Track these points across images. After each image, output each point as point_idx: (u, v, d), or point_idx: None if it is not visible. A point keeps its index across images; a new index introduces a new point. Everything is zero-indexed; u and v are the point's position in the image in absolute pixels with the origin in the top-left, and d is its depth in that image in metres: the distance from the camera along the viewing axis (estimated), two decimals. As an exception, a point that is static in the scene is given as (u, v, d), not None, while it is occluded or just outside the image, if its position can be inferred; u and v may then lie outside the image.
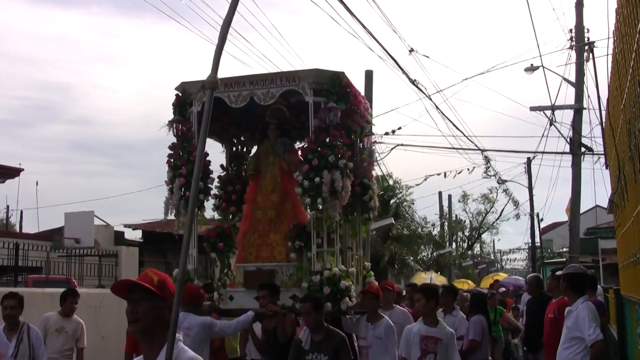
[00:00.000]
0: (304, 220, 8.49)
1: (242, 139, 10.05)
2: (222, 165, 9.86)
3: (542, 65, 22.44)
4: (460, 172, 29.13)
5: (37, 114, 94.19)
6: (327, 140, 8.00)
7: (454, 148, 26.18)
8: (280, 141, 9.08)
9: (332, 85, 8.20)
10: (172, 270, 9.71)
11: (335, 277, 7.85)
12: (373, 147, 23.03)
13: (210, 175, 8.69)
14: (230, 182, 9.68)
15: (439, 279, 23.88)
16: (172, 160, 8.52)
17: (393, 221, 30.62)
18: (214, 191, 9.67)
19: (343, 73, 8.35)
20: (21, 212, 41.06)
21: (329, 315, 7.66)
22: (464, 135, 26.12)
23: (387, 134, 22.80)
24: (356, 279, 9.36)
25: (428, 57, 23.00)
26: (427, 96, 21.51)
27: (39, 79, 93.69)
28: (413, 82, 20.37)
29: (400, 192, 39.33)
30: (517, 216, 46.68)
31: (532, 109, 23.47)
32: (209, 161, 8.66)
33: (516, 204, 44.32)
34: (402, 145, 23.63)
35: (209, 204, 9.65)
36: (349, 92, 8.29)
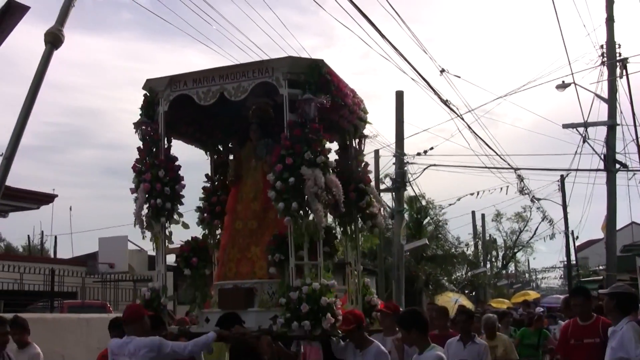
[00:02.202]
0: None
1: (229, 145, 9.10)
2: (207, 175, 8.93)
3: (574, 82, 21.89)
4: (492, 192, 27.93)
5: (68, 139, 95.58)
6: (303, 135, 6.99)
7: (486, 167, 25.20)
8: (263, 142, 8.11)
9: (310, 74, 7.21)
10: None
11: (315, 293, 6.78)
12: (405, 168, 22.50)
13: (182, 182, 7.73)
14: (214, 192, 8.74)
15: (463, 299, 22.38)
16: (138, 165, 7.63)
17: (427, 242, 29.49)
18: (198, 203, 8.81)
19: (322, 61, 7.37)
20: (55, 237, 41.09)
21: (309, 338, 6.63)
22: (497, 154, 24.83)
23: (419, 154, 22.41)
24: (355, 297, 8.29)
25: (459, 77, 21.99)
26: (459, 116, 20.92)
27: (70, 104, 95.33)
28: (445, 102, 19.84)
29: (434, 213, 38.74)
30: (552, 236, 45.07)
31: (565, 126, 22.86)
32: (178, 165, 7.75)
33: (550, 222, 42.72)
34: (434, 165, 23.18)
35: (193, 217, 8.79)
36: (329, 81, 7.29)
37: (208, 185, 8.85)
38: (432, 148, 22.48)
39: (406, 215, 32.17)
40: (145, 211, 7.47)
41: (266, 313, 7.21)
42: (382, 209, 8.60)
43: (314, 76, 7.21)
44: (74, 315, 12.73)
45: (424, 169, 22.96)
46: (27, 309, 17.44)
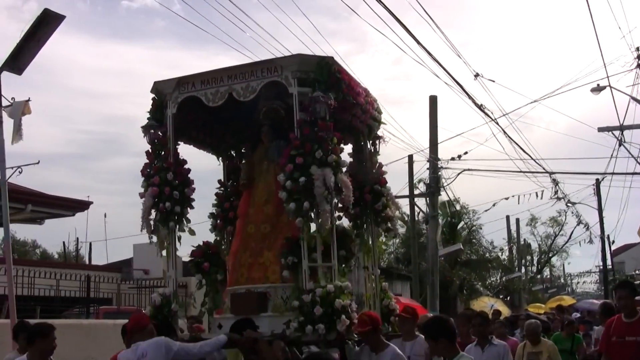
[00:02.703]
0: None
1: (242, 150, 8.93)
2: (219, 181, 8.78)
3: (609, 85, 21.55)
4: (527, 197, 27.52)
5: (103, 147, 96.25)
6: (313, 134, 6.81)
7: (521, 171, 24.71)
8: (275, 144, 7.91)
9: (320, 72, 7.05)
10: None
11: (329, 295, 6.57)
12: (439, 173, 22.24)
13: (192, 185, 7.58)
14: (227, 198, 8.57)
15: (499, 305, 21.89)
16: (146, 169, 7.49)
17: (461, 247, 29.34)
18: (212, 210, 8.66)
19: (332, 58, 7.20)
20: (90, 244, 41.17)
21: (325, 343, 6.40)
22: (531, 158, 24.44)
23: (453, 159, 22.18)
24: (372, 302, 8.06)
25: (494, 81, 21.69)
26: (493, 120, 20.56)
27: (105, 112, 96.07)
28: (479, 106, 19.60)
29: (468, 217, 38.33)
30: (590, 240, 44.30)
31: (601, 129, 22.73)
32: (188, 169, 7.61)
33: (586, 226, 42.07)
34: (468, 170, 22.77)
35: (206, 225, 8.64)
36: (340, 79, 7.12)
37: (221, 191, 8.70)
38: (466, 152, 22.21)
39: (440, 220, 31.86)
40: (153, 215, 7.33)
41: (280, 318, 7.01)
42: (397, 211, 8.34)
43: (323, 74, 7.04)
44: (110, 321, 12.72)
45: (458, 174, 22.61)
46: (63, 315, 17.71)
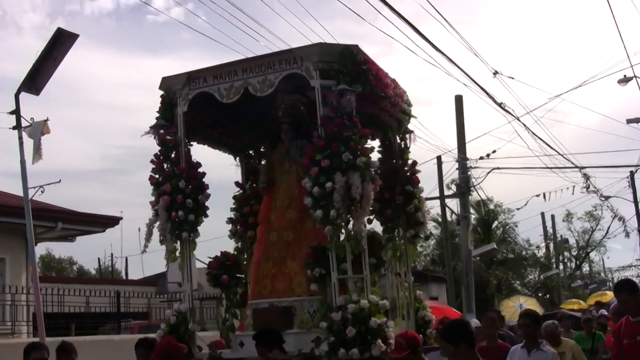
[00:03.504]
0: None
1: (261, 149, 8.25)
2: (237, 183, 8.11)
3: (635, 76, 20.81)
4: (559, 193, 26.74)
5: (135, 161, 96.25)
6: (338, 132, 6.11)
7: (550, 168, 24.09)
8: (296, 144, 7.22)
9: (344, 63, 6.36)
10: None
11: (362, 312, 5.89)
12: (469, 173, 21.68)
13: (207, 191, 6.91)
14: (246, 201, 7.91)
15: (530, 304, 21.03)
16: (155, 175, 6.83)
17: (495, 246, 28.71)
18: (230, 215, 8.00)
19: (357, 46, 6.49)
20: (126, 258, 40.85)
21: None
22: (559, 154, 23.77)
23: (481, 158, 21.78)
24: (406, 312, 7.38)
25: (513, 78, 21.04)
26: (516, 118, 20.08)
27: (135, 126, 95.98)
28: (500, 105, 19.18)
29: (503, 216, 38.09)
30: (627, 234, 43.22)
31: (629, 121, 22.63)
32: (202, 173, 6.94)
33: (622, 219, 41.07)
34: (497, 168, 22.39)
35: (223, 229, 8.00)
36: (366, 70, 6.41)
37: (239, 194, 8.04)
38: (494, 151, 21.64)
39: (473, 220, 31.32)
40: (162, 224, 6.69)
41: (307, 335, 6.36)
42: (425, 214, 7.63)
43: (347, 65, 6.35)
44: (142, 336, 12.15)
45: (488, 173, 22.11)
46: (98, 331, 17.58)
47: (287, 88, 7.02)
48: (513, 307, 19.52)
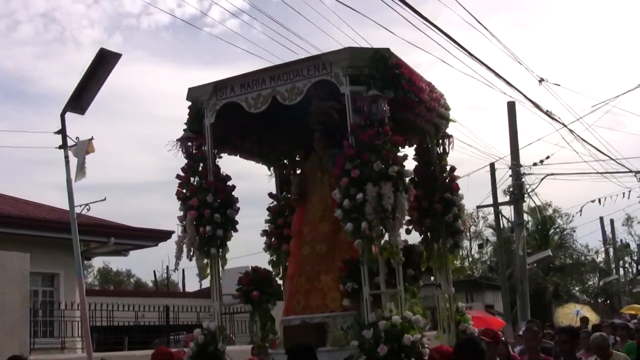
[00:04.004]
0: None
1: (297, 158, 7.99)
2: (270, 194, 7.87)
3: None
4: (616, 197, 25.98)
5: None
6: (370, 140, 5.82)
7: (603, 173, 23.63)
8: (329, 153, 6.95)
9: (375, 67, 6.07)
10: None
11: (395, 328, 5.58)
12: (522, 180, 21.21)
13: (237, 205, 6.69)
14: (281, 212, 7.66)
15: (585, 311, 20.23)
16: (183, 190, 6.64)
17: (550, 253, 28.63)
18: (265, 227, 7.78)
19: (388, 50, 6.20)
20: (183, 270, 41.09)
21: None
22: (611, 159, 23.15)
23: (535, 164, 21.62)
24: (447, 326, 7.03)
25: (559, 85, 20.85)
26: (564, 125, 20.20)
27: None
28: (546, 113, 19.23)
29: (560, 221, 38.02)
30: None
31: None
32: (232, 186, 6.71)
33: None
34: (552, 174, 22.29)
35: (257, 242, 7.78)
36: (399, 74, 6.10)
37: (273, 205, 7.80)
38: (548, 157, 21.35)
39: (530, 226, 30.78)
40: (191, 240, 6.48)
41: (340, 352, 6.06)
42: (465, 222, 7.28)
43: (379, 69, 6.06)
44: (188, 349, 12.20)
45: (542, 179, 21.86)
46: (152, 345, 17.47)
47: (321, 94, 6.77)
48: (570, 314, 18.84)
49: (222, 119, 6.90)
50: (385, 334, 5.58)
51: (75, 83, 9.57)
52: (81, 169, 9.81)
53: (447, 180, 7.18)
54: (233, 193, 6.70)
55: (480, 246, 42.83)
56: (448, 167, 7.29)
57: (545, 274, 33.30)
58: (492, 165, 23.74)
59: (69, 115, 9.91)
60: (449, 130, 7.40)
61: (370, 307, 5.86)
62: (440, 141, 7.36)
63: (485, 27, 22.61)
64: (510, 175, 21.49)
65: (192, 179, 6.61)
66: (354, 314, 6.16)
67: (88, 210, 14.47)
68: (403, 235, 6.97)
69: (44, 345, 14.61)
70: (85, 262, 18.42)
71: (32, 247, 13.20)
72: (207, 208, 6.39)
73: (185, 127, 6.89)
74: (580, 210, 24.70)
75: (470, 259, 48.37)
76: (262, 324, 6.69)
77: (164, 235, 19.67)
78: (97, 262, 51.96)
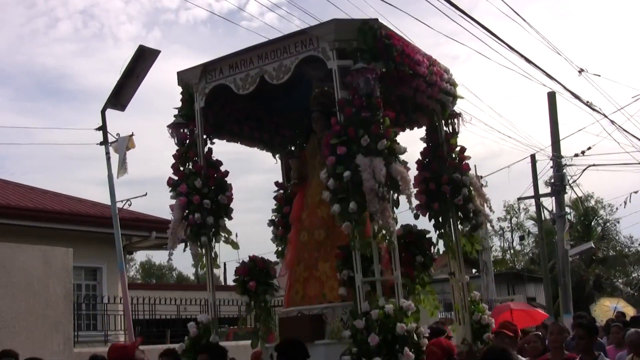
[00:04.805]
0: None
1: (304, 145, 7.64)
2: (277, 183, 7.55)
3: None
4: None
5: (236, 166, 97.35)
6: (357, 115, 5.44)
7: None
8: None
9: (363, 39, 5.68)
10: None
11: (388, 318, 5.18)
12: (564, 171, 20.60)
13: (226, 193, 6.35)
14: (287, 201, 7.33)
15: (626, 307, 19.30)
16: (173, 177, 6.38)
17: (593, 245, 27.86)
18: (271, 217, 7.47)
19: (376, 20, 5.82)
20: (224, 264, 41.13)
21: None
22: None
23: (576, 155, 21.15)
24: (462, 316, 6.58)
25: (599, 75, 20.22)
26: (605, 116, 19.67)
27: None
28: (586, 104, 18.73)
29: (603, 212, 37.40)
30: None
31: None
32: (225, 172, 6.42)
33: None
34: (593, 165, 21.62)
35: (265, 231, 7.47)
36: (389, 45, 5.70)
37: (280, 194, 7.48)
38: (589, 148, 20.80)
39: (571, 217, 30.12)
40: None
41: (339, 345, 5.67)
42: (486, 203, 6.77)
43: (367, 41, 5.68)
44: (233, 343, 12.27)
45: (583, 170, 21.30)
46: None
47: (319, 74, 6.42)
48: (609, 310, 18.14)
49: (217, 102, 6.64)
50: (379, 324, 5.19)
51: (115, 80, 9.80)
52: (122, 165, 10.02)
53: (455, 161, 6.72)
54: (226, 179, 6.41)
55: (522, 238, 42.16)
56: (458, 148, 6.83)
57: (587, 266, 32.57)
58: (532, 157, 23.30)
59: (109, 112, 10.10)
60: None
61: (366, 296, 5.48)
62: (450, 120, 6.91)
63: (522, 18, 21.83)
64: (551, 167, 21.00)
65: (180, 166, 6.35)
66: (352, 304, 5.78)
67: (129, 205, 14.57)
68: (411, 220, 6.66)
69: (88, 338, 14.63)
70: (127, 256, 18.43)
71: (75, 241, 13.30)
72: (196, 194, 6.12)
73: (177, 112, 6.64)
74: (625, 202, 23.84)
75: (512, 251, 47.51)
76: (256, 316, 6.34)
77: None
78: (140, 255, 52.43)
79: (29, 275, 9.25)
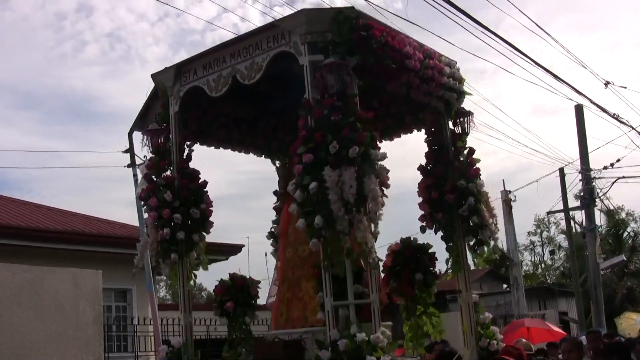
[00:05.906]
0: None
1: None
2: (275, 192, 6.96)
3: None
4: None
5: (260, 185, 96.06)
6: (325, 118, 4.79)
7: None
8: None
9: (337, 31, 5.01)
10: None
11: (357, 349, 4.50)
12: (593, 184, 19.83)
13: (201, 206, 5.76)
14: (286, 212, 6.73)
15: None
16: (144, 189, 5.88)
17: (624, 258, 27.19)
18: (270, 228, 6.92)
19: (352, 8, 5.14)
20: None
21: None
22: None
23: (605, 167, 20.73)
24: (467, 340, 5.81)
25: (625, 87, 19.80)
26: (633, 128, 19.42)
27: None
28: (613, 116, 18.51)
29: (634, 224, 36.69)
30: None
31: None
32: (203, 182, 5.85)
33: None
34: (623, 177, 21.14)
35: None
36: (368, 36, 5.00)
37: (279, 204, 6.90)
38: (618, 160, 20.53)
39: (602, 230, 29.54)
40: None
41: (318, 376, 5.03)
42: (492, 219, 5.93)
43: (342, 32, 4.99)
44: None
45: (613, 182, 20.92)
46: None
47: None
48: (635, 325, 17.54)
49: (199, 107, 6.14)
50: (347, 356, 4.52)
51: (142, 101, 9.58)
52: None
53: (462, 166, 5.95)
54: (205, 190, 5.84)
55: (552, 252, 41.04)
56: (466, 151, 6.05)
57: (619, 279, 31.65)
58: (561, 170, 22.64)
59: (136, 134, 9.85)
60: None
61: (342, 321, 4.82)
62: (459, 120, 6.14)
63: (547, 33, 21.49)
64: (580, 180, 20.53)
65: (156, 177, 5.83)
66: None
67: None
68: (413, 234, 5.98)
69: (118, 359, 14.51)
70: (157, 277, 18.25)
71: (104, 263, 13.14)
72: (166, 208, 5.58)
73: (155, 118, 6.16)
74: None
75: (543, 265, 46.08)
76: (230, 340, 5.72)
77: (234, 249, 19.32)
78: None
79: (59, 297, 9.08)
